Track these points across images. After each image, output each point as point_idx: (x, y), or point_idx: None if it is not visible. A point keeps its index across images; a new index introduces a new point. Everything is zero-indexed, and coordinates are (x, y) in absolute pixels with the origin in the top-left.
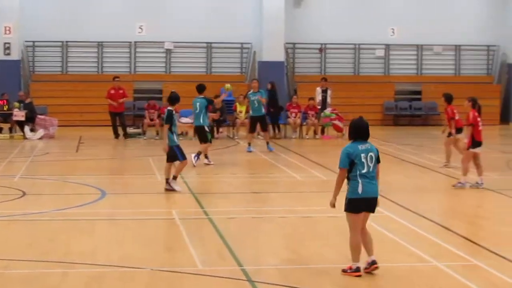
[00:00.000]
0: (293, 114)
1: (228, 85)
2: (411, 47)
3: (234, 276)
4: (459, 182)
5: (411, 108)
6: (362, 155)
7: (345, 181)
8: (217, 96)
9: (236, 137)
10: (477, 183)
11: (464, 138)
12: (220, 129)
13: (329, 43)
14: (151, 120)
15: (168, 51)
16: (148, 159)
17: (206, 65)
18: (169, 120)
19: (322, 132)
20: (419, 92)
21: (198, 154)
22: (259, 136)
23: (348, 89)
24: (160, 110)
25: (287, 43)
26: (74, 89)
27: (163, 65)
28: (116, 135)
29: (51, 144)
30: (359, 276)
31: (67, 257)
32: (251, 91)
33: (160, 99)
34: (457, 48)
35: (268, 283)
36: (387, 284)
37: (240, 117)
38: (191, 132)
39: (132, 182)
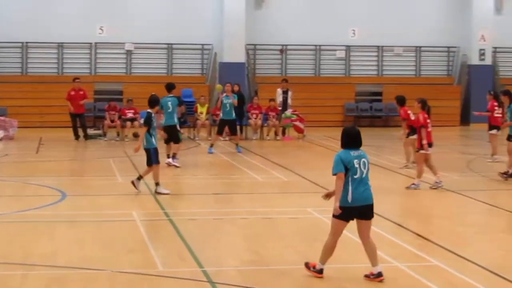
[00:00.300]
0: (254, 115)
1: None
2: (371, 48)
3: (195, 278)
4: (413, 184)
5: (371, 109)
6: (355, 161)
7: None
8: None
9: (197, 138)
10: (436, 183)
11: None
12: (181, 130)
13: (290, 44)
14: (112, 121)
15: (129, 52)
16: (109, 160)
17: (167, 66)
18: (148, 122)
19: (283, 133)
20: (379, 93)
21: (173, 156)
22: (220, 138)
23: (309, 90)
24: (120, 112)
25: (248, 44)
26: (34, 90)
27: (124, 66)
28: (77, 137)
29: (11, 146)
30: (320, 277)
31: (27, 259)
32: (224, 94)
33: (120, 100)
34: (418, 49)
35: (229, 284)
36: (348, 285)
37: (201, 118)
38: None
39: (93, 184)
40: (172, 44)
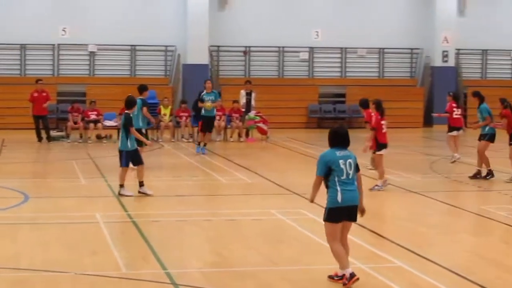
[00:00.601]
0: (218, 117)
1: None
2: (335, 50)
3: (158, 280)
4: (376, 185)
5: (335, 111)
6: (340, 161)
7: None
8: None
9: (160, 140)
10: (377, 186)
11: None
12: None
13: (253, 46)
14: (75, 123)
15: (92, 54)
16: (72, 162)
17: (130, 68)
18: (130, 123)
19: (247, 135)
20: (343, 95)
21: None
22: (183, 139)
23: (272, 92)
24: (83, 113)
25: (211, 46)
26: None
27: (87, 67)
28: (39, 138)
29: None
30: (357, 279)
31: None
32: (205, 91)
33: (83, 102)
34: (381, 51)
35: (192, 286)
36: (311, 286)
37: (165, 120)
38: (115, 135)
39: (56, 186)
40: (135, 45)
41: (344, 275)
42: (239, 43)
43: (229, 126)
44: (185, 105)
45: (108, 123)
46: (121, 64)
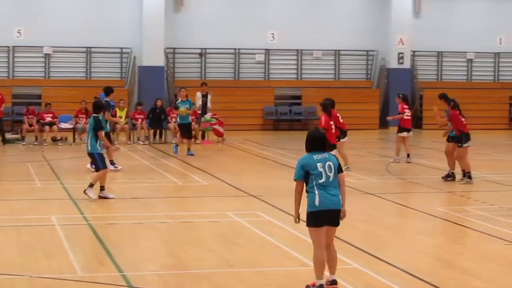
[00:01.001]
0: (174, 119)
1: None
2: (291, 52)
3: (115, 282)
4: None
5: (291, 113)
6: (318, 164)
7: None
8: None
9: (116, 142)
10: None
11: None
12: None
13: (209, 47)
14: (30, 125)
15: (47, 56)
16: (27, 165)
17: (86, 70)
18: (100, 126)
19: (203, 137)
20: (299, 97)
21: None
22: (139, 141)
23: (228, 93)
24: (39, 116)
25: (167, 48)
26: None
27: (42, 70)
28: None
29: None
30: None
31: None
32: (179, 100)
33: (39, 104)
34: (337, 53)
35: None
36: None
37: (120, 122)
38: (70, 138)
39: (11, 188)
40: (91, 47)
41: (321, 285)
42: (195, 45)
43: None
44: (141, 107)
45: (63, 125)
46: (76, 66)
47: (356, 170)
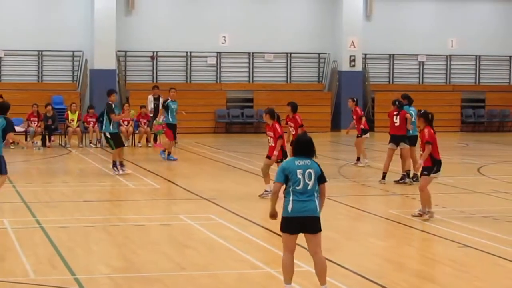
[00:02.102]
0: (125, 122)
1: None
2: (242, 54)
3: (67, 285)
4: (266, 191)
5: (243, 116)
6: (298, 171)
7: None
8: (48, 105)
9: (68, 146)
10: (266, 191)
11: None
12: (52, 138)
13: (161, 50)
14: None
15: None
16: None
17: (37, 73)
18: (11, 128)
19: (155, 140)
20: (251, 100)
21: None
22: (91, 145)
23: (180, 96)
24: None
25: (118, 51)
26: None
27: None
28: None
29: None
30: None
31: None
32: (169, 99)
33: None
34: (288, 56)
35: None
36: None
37: (72, 125)
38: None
39: None
40: (42, 51)
41: None
42: (147, 48)
43: (137, 132)
44: (93, 111)
45: (15, 128)
46: (28, 70)
47: None
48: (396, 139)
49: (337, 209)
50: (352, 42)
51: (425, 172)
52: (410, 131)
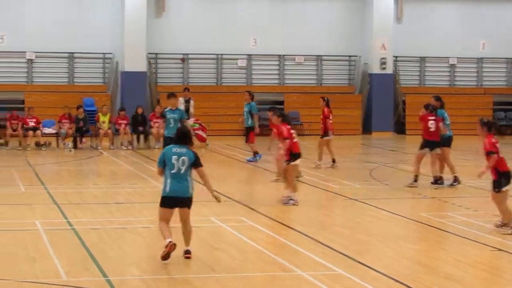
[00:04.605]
0: (156, 124)
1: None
2: (273, 57)
3: (99, 287)
4: (287, 197)
5: None
6: (173, 157)
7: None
8: (79, 107)
9: (99, 148)
10: (285, 197)
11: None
12: (83, 140)
13: (191, 53)
14: (14, 130)
15: (30, 61)
16: (11, 169)
17: (68, 75)
18: None
19: None
20: (281, 102)
21: None
22: (122, 147)
23: (210, 99)
24: (22, 121)
25: (149, 53)
26: None
27: (25, 75)
28: None
29: None
30: (173, 246)
31: None
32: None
33: (22, 109)
34: (319, 58)
35: None
36: None
37: (103, 127)
38: (54, 143)
39: None
40: (73, 53)
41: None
42: (177, 50)
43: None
44: (124, 113)
45: (47, 130)
46: (59, 72)
47: (340, 175)
48: (430, 145)
49: (368, 211)
50: (383, 44)
51: (496, 189)
52: (447, 133)
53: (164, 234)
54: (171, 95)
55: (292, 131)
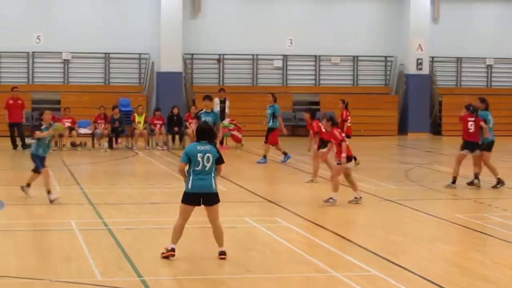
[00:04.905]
0: (192, 125)
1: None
2: (308, 57)
3: (133, 287)
4: (331, 198)
5: None
6: (199, 154)
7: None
8: (115, 107)
9: (134, 148)
10: (355, 198)
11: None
12: (118, 140)
13: (227, 53)
14: None
15: (66, 62)
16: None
17: (104, 76)
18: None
19: (221, 142)
20: (317, 103)
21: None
22: (157, 147)
23: (246, 99)
24: (58, 121)
25: (185, 53)
26: None
27: (61, 75)
28: (14, 146)
29: None
30: (172, 255)
31: None
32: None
33: (58, 109)
34: (355, 59)
35: None
36: None
37: (139, 127)
38: (89, 143)
39: (30, 193)
40: (109, 53)
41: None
42: (213, 51)
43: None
44: (159, 113)
45: (82, 130)
46: (95, 72)
47: (375, 176)
48: (470, 146)
49: (403, 212)
50: (419, 45)
51: None
52: (490, 137)
53: (172, 237)
54: (206, 97)
55: (343, 134)
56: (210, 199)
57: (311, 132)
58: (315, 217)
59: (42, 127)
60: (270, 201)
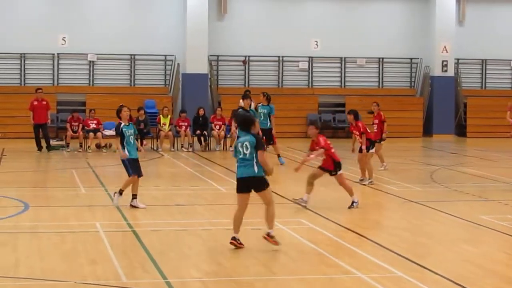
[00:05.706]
0: (217, 127)
1: None
2: (334, 59)
3: None
4: (353, 202)
5: (334, 121)
6: (239, 144)
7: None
8: (140, 108)
9: (159, 149)
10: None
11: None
12: (144, 141)
13: (253, 55)
14: (74, 132)
15: (91, 63)
16: (72, 171)
17: (129, 77)
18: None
19: None
20: (342, 105)
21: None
22: (183, 149)
23: (271, 101)
24: (83, 122)
25: (210, 55)
26: None
27: (86, 77)
28: (39, 148)
29: None
30: (233, 243)
31: None
32: (261, 103)
33: (83, 111)
34: (380, 61)
35: None
36: None
37: (164, 129)
38: (114, 145)
39: (55, 195)
40: (135, 55)
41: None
42: (238, 53)
43: (228, 136)
44: (185, 115)
45: (107, 132)
46: (120, 74)
47: (400, 178)
48: None
49: (429, 214)
50: (445, 47)
51: None
52: None
53: (233, 226)
54: (246, 96)
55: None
56: (256, 184)
57: (354, 133)
58: (339, 218)
59: (122, 125)
60: (295, 202)
